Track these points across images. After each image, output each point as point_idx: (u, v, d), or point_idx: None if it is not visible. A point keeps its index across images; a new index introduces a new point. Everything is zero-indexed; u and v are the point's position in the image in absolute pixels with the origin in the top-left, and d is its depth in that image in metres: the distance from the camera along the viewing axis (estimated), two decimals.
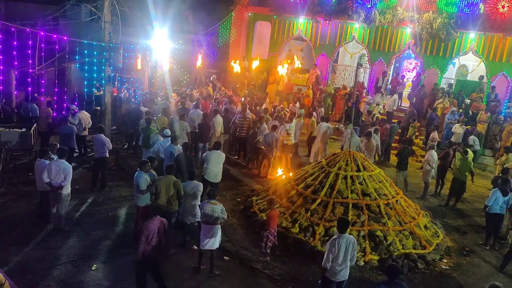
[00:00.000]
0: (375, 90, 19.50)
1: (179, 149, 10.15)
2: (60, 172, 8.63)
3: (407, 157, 12.47)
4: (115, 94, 15.26)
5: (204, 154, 10.64)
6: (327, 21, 20.28)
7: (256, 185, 12.03)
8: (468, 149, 12.43)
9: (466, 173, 11.83)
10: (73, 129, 12.40)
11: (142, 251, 6.66)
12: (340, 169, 9.70)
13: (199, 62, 19.17)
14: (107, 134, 12.48)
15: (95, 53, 13.70)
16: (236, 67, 18.07)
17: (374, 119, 16.38)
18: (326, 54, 21.05)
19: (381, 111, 18.27)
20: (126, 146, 14.48)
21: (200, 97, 16.19)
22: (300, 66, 19.42)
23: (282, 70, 17.73)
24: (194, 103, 14.74)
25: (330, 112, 17.31)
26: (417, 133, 16.92)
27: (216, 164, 10.22)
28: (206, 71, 20.86)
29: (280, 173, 12.29)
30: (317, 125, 13.96)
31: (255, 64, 18.17)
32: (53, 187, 8.66)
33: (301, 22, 21.15)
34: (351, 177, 9.56)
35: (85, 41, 12.69)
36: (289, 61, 18.98)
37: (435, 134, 14.43)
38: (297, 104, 16.56)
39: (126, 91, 17.35)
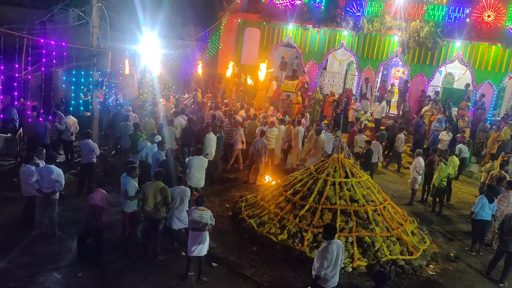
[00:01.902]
0: (361, 97, 19.69)
1: (166, 154, 10.15)
2: (50, 178, 8.54)
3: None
4: (101, 99, 15.19)
5: (187, 159, 10.56)
6: (316, 28, 20.53)
7: (245, 191, 12.03)
8: (450, 157, 12.62)
9: (444, 180, 11.95)
10: (47, 126, 12.41)
11: (86, 220, 7.31)
12: (329, 176, 9.71)
13: (199, 70, 19.47)
14: (95, 140, 12.36)
15: (82, 57, 13.64)
16: (230, 70, 18.27)
17: (362, 126, 16.41)
18: (315, 60, 21.34)
19: (369, 118, 18.42)
20: (114, 152, 14.34)
21: (192, 103, 16.21)
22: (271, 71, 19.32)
23: (261, 75, 18.09)
24: (174, 110, 14.74)
25: (317, 120, 17.40)
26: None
27: (198, 169, 10.19)
28: (195, 76, 21.10)
29: (269, 179, 12.35)
30: (313, 136, 14.03)
31: (231, 71, 18.30)
32: (44, 194, 8.57)
33: (290, 29, 21.39)
34: (340, 183, 9.58)
35: (73, 46, 12.69)
36: (272, 69, 19.28)
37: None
38: (275, 111, 16.57)
39: (113, 96, 17.24)
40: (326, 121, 17.36)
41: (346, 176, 9.74)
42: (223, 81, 19.91)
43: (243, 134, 13.27)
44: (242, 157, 13.92)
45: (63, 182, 8.65)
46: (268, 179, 12.63)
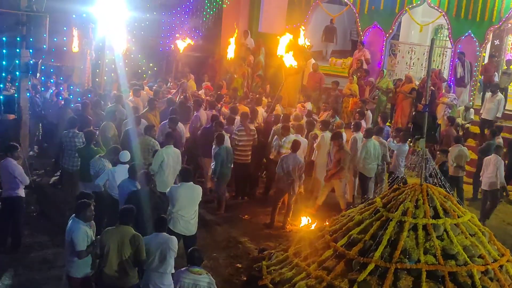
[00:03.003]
0: (457, 83, 17.81)
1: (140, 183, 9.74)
2: None
3: None
4: (32, 94, 14.25)
5: (168, 190, 9.92)
6: None
7: (267, 241, 11.29)
8: None
9: None
10: None
11: None
12: (406, 215, 8.83)
13: (181, 44, 17.60)
14: (23, 159, 11.60)
15: (3, 27, 12.76)
16: (230, 51, 16.71)
17: (461, 131, 15.18)
18: (379, 25, 19.40)
19: (472, 118, 16.61)
20: (54, 179, 13.23)
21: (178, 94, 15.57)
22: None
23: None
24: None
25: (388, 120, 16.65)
26: None
27: (187, 205, 9.36)
28: (187, 55, 19.45)
29: (307, 221, 11.70)
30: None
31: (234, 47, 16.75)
32: None
33: None
34: (425, 227, 8.68)
35: None
36: (309, 43, 17.48)
37: None
38: (308, 104, 15.59)
39: (53, 87, 16.05)
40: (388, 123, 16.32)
41: (436, 216, 8.86)
42: (228, 61, 18.50)
43: (298, 158, 11.84)
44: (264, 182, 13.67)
45: None
46: (306, 221, 11.77)
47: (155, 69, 20.77)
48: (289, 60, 15.82)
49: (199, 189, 9.75)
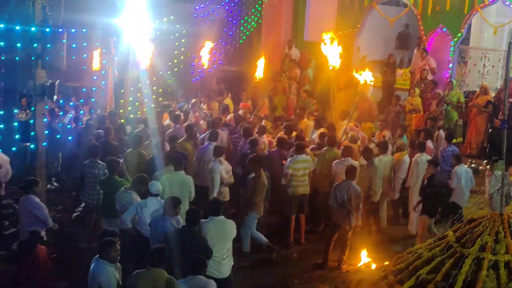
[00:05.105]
0: None
1: (179, 221, 9.05)
2: None
3: None
4: (48, 119, 14.20)
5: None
6: None
7: (319, 284, 10.73)
8: None
9: None
10: None
11: None
12: (485, 250, 8.15)
13: (205, 58, 17.36)
14: (42, 196, 11.17)
15: (18, 45, 12.57)
16: (259, 69, 16.27)
17: None
18: (446, 28, 18.54)
19: None
20: (77, 213, 13.04)
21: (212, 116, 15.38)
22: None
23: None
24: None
25: (458, 140, 16.21)
26: None
27: (218, 243, 8.89)
28: (222, 70, 20.08)
29: (367, 260, 11.23)
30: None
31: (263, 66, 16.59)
32: None
33: None
34: (508, 265, 8.06)
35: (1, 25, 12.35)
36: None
37: None
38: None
39: (72, 111, 16.09)
40: (456, 139, 15.61)
41: None
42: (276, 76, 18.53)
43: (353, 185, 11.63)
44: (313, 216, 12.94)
45: None
46: (365, 261, 11.27)
47: (186, 87, 20.21)
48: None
49: (231, 224, 9.29)
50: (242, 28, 21.65)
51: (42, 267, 8.52)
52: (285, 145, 12.94)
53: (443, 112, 16.60)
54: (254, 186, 11.18)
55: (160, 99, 17.86)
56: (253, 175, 11.34)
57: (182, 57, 20.62)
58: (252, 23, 21.68)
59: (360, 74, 14.52)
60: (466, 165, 12.94)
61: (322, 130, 13.91)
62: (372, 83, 16.02)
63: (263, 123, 14.97)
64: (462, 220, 10.92)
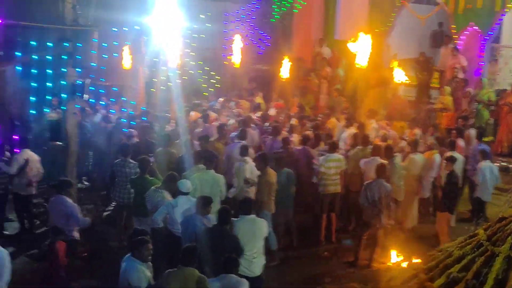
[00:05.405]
0: None
1: (210, 220, 8.98)
2: None
3: None
4: (85, 119, 14.47)
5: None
6: None
7: (351, 282, 10.57)
8: None
9: None
10: None
11: None
12: None
13: (236, 57, 17.50)
14: (73, 196, 11.03)
15: (49, 44, 12.59)
16: (285, 68, 16.51)
17: None
18: (476, 25, 18.46)
19: None
20: (108, 212, 13.16)
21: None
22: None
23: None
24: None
25: (489, 138, 15.87)
26: None
27: (249, 241, 8.85)
28: (255, 68, 19.92)
29: (398, 258, 11.24)
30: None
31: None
32: None
33: None
34: None
35: (33, 24, 12.04)
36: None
37: None
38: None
39: (103, 109, 15.92)
40: (487, 138, 15.63)
41: None
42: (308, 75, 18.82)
43: (385, 184, 11.52)
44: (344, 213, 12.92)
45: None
46: (396, 259, 11.25)
47: (217, 85, 20.21)
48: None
49: (262, 223, 9.29)
50: (271, 24, 21.73)
51: (59, 262, 8.57)
52: (308, 142, 12.80)
53: (474, 110, 16.51)
54: (260, 185, 11.15)
55: (193, 98, 17.86)
56: (259, 173, 11.36)
57: (213, 56, 20.58)
58: (283, 21, 21.63)
59: (392, 72, 14.59)
60: (495, 163, 12.74)
61: (353, 129, 13.85)
62: (406, 81, 16.11)
63: (292, 121, 14.96)
64: (485, 217, 11.33)
